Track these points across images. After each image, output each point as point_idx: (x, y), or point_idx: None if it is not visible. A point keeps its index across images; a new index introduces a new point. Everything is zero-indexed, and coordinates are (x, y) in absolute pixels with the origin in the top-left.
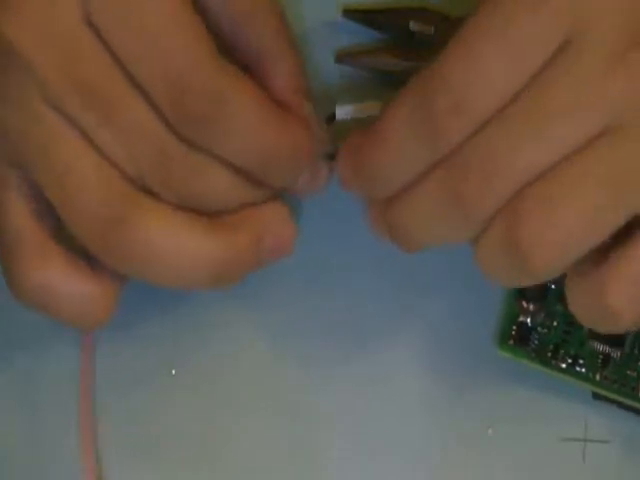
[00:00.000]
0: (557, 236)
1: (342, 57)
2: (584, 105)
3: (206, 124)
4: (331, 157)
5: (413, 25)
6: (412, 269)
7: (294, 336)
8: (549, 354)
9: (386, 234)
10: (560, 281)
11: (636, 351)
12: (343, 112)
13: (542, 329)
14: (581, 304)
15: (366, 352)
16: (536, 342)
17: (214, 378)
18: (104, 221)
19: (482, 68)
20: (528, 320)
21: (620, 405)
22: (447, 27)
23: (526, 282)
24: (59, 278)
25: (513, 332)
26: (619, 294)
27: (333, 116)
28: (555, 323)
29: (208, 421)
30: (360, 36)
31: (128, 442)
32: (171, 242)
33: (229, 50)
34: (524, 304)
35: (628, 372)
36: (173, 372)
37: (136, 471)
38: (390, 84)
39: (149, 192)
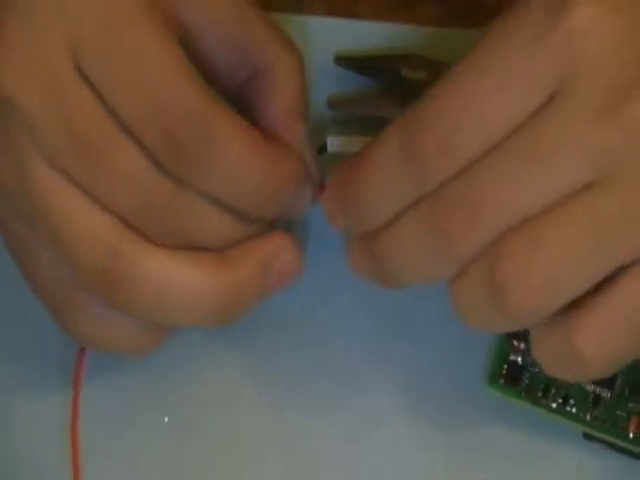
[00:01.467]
0: (539, 282)
1: (334, 103)
2: (572, 154)
3: (195, 162)
4: (321, 187)
5: (404, 72)
6: (400, 309)
7: (285, 384)
8: (540, 393)
9: (365, 271)
10: None
11: (626, 392)
12: (335, 144)
13: (533, 368)
14: (548, 351)
15: (357, 397)
16: (527, 381)
17: (206, 426)
18: (105, 269)
19: (470, 109)
20: (519, 359)
21: (611, 446)
22: (440, 73)
23: (503, 326)
24: (106, 323)
25: (504, 371)
26: (589, 338)
27: (324, 147)
28: None
29: (200, 468)
30: (352, 83)
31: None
32: (173, 282)
33: (225, 66)
34: (515, 343)
35: (618, 412)
36: (166, 419)
37: None
38: (381, 129)
39: (146, 235)
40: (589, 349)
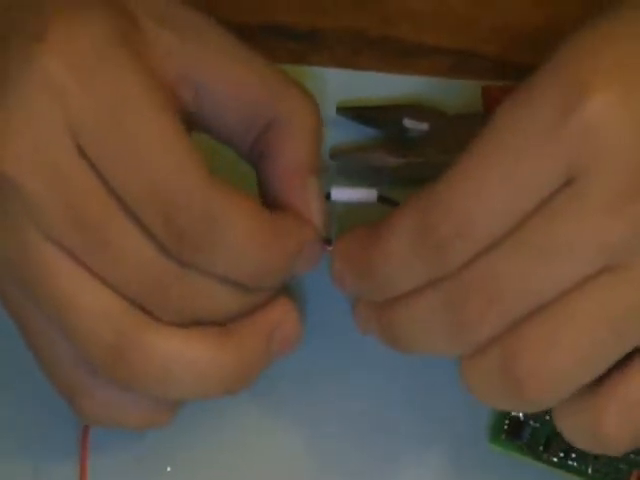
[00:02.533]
0: (554, 374)
1: (336, 153)
2: (584, 244)
3: (199, 245)
4: (327, 242)
5: (407, 122)
6: (409, 371)
7: (287, 435)
8: (541, 448)
9: (373, 332)
10: None
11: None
12: (339, 194)
13: (534, 423)
14: (575, 431)
15: (365, 450)
16: (528, 436)
17: (208, 476)
18: (111, 348)
19: (485, 197)
20: (520, 414)
21: None
22: (443, 124)
23: (516, 409)
24: (116, 403)
25: (505, 426)
26: (615, 422)
27: (328, 196)
28: (547, 417)
29: None
30: (354, 132)
31: None
32: (180, 360)
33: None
34: None
35: (620, 465)
36: (168, 469)
37: None
38: (383, 179)
39: (152, 313)
40: (613, 431)
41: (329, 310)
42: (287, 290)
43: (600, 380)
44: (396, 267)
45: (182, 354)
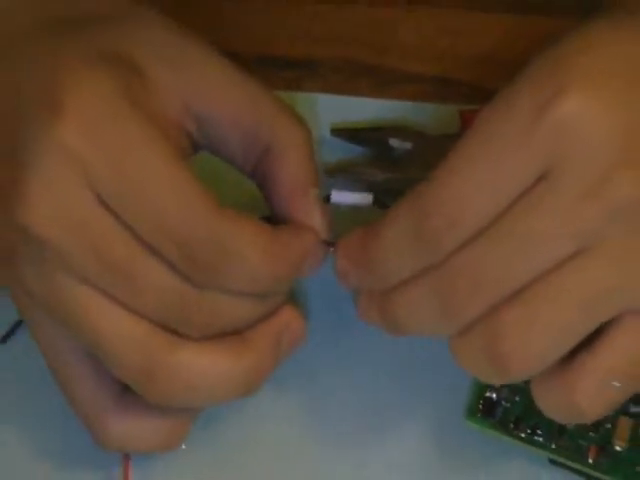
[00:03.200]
0: (532, 350)
1: (332, 171)
2: (557, 231)
3: (213, 269)
4: (330, 244)
5: (393, 141)
6: (399, 354)
7: (293, 418)
8: (511, 425)
9: (374, 320)
10: None
11: (587, 424)
12: (338, 197)
13: (506, 403)
14: (549, 402)
15: (362, 431)
16: (500, 414)
17: (221, 455)
18: (142, 369)
19: (469, 193)
20: (494, 395)
21: (573, 470)
22: (424, 143)
23: (499, 381)
24: (133, 428)
25: (480, 406)
26: (586, 394)
27: (328, 198)
28: (517, 398)
29: None
30: (346, 151)
31: None
32: (203, 373)
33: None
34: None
35: (580, 442)
36: (183, 447)
37: None
38: (374, 190)
39: (176, 332)
40: (586, 402)
41: (327, 307)
42: (292, 295)
43: (571, 355)
44: (392, 259)
45: (206, 368)
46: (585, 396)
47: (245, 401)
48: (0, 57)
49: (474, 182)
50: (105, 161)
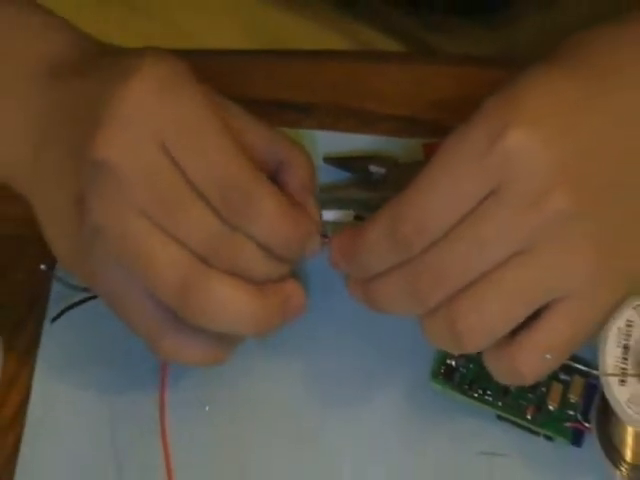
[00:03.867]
0: (484, 329)
1: (325, 189)
2: (502, 236)
3: (243, 214)
4: (323, 235)
5: (372, 167)
6: (376, 331)
7: (301, 382)
8: (466, 386)
9: (360, 300)
10: None
11: (526, 388)
12: (327, 215)
13: (462, 369)
14: (498, 368)
15: (350, 392)
16: (458, 378)
17: (241, 415)
18: (180, 288)
19: (433, 206)
20: (453, 362)
21: (515, 424)
22: (395, 169)
23: (456, 353)
24: (185, 344)
25: (442, 371)
26: (526, 362)
27: (320, 216)
28: (471, 365)
29: (235, 445)
30: (336, 175)
31: (178, 453)
32: (227, 301)
33: (260, 158)
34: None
35: (520, 402)
36: (207, 409)
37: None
38: (357, 206)
39: (209, 264)
40: (525, 369)
41: (325, 289)
42: (297, 277)
43: (515, 332)
44: (373, 256)
45: (227, 297)
46: (525, 365)
47: (256, 367)
48: (91, 63)
49: (436, 198)
50: (173, 117)
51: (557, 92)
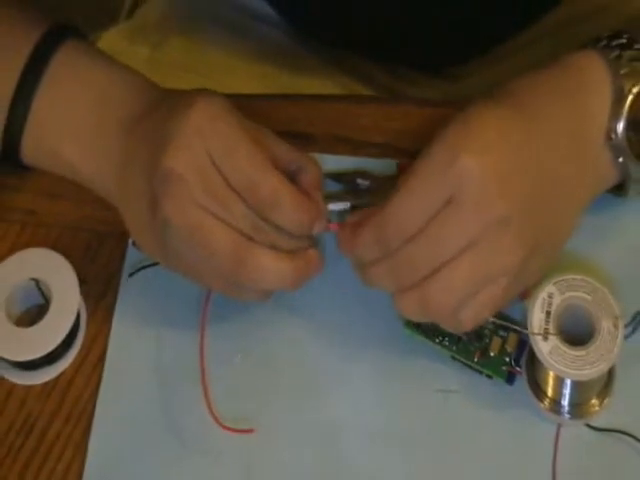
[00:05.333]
0: (449, 302)
1: (326, 196)
2: (459, 233)
3: (270, 207)
4: (328, 221)
5: (359, 180)
6: (366, 294)
7: (319, 339)
8: (430, 334)
9: (360, 277)
10: None
11: (474, 337)
12: (332, 206)
13: (427, 321)
14: (446, 323)
15: (348, 349)
16: (424, 327)
17: (266, 364)
18: (235, 257)
19: (407, 214)
20: None
21: (466, 365)
22: (376, 182)
23: (422, 320)
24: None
25: (412, 320)
26: (466, 317)
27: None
28: None
29: (257, 388)
30: (331, 187)
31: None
32: (271, 266)
33: (283, 165)
34: None
35: (470, 347)
36: (239, 357)
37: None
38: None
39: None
40: (466, 321)
41: (334, 268)
42: (316, 246)
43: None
44: (366, 250)
45: (270, 261)
46: (465, 319)
47: (276, 329)
48: (151, 112)
49: (410, 207)
50: (218, 138)
51: (496, 125)
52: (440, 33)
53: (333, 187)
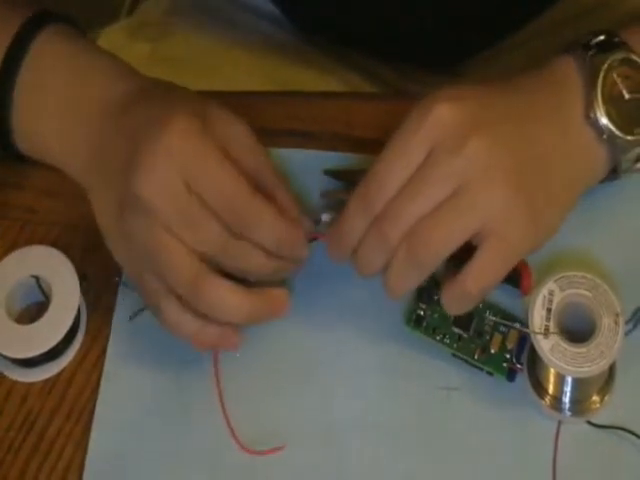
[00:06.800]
0: (434, 252)
1: (324, 194)
2: (440, 180)
3: (247, 225)
4: (312, 236)
5: (359, 179)
6: (367, 294)
7: (319, 338)
8: (432, 331)
9: (353, 264)
10: (437, 294)
11: (474, 335)
12: (324, 217)
13: (429, 319)
14: (451, 296)
15: (348, 347)
16: (425, 324)
17: (265, 363)
18: (192, 281)
19: (388, 173)
20: (421, 312)
21: (466, 362)
22: (361, 175)
23: (420, 276)
24: (199, 331)
25: (413, 318)
26: (473, 283)
27: (319, 220)
28: (435, 315)
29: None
30: (333, 184)
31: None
32: (225, 296)
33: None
34: (420, 304)
35: (470, 345)
36: (237, 355)
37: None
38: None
39: (216, 266)
40: (474, 289)
41: (334, 267)
42: (285, 285)
43: (460, 272)
44: (354, 220)
45: (225, 293)
46: (473, 286)
47: (276, 328)
48: (129, 105)
49: (390, 166)
50: (190, 160)
51: (471, 87)
52: (441, 31)
53: (331, 185)
